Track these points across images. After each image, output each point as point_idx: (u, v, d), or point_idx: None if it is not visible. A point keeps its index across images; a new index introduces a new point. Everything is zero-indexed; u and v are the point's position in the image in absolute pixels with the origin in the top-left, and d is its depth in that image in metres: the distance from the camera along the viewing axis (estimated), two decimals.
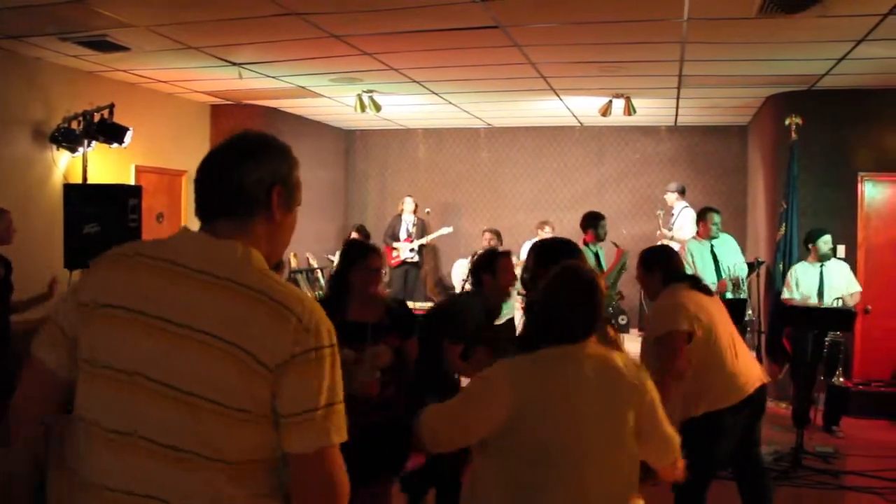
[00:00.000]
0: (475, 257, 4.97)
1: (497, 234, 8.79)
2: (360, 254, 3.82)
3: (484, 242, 8.41)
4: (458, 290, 8.55)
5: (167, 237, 1.72)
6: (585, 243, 7.66)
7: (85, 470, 1.60)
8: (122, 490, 1.55)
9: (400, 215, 11.15)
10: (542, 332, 2.48)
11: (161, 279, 1.61)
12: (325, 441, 1.57)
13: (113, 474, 1.56)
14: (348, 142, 12.90)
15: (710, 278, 7.06)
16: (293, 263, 10.69)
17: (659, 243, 9.39)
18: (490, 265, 4.59)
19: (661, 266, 4.26)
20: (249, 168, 1.69)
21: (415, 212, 11.12)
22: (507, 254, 4.93)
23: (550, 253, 3.27)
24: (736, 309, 6.62)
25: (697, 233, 7.74)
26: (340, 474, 1.61)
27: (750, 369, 4.16)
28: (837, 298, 6.93)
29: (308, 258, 11.25)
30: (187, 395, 1.54)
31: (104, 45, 6.75)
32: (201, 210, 1.72)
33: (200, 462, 1.53)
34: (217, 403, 1.53)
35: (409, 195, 11.30)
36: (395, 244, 10.94)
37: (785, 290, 7.21)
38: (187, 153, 9.82)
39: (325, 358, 1.59)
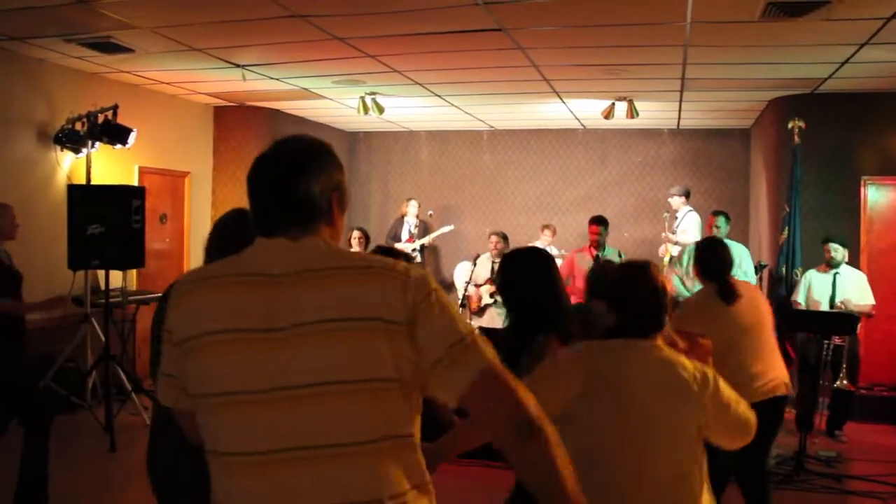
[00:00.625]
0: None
1: (504, 237, 8.76)
2: None
3: (490, 246, 8.40)
4: (460, 292, 8.53)
5: (242, 252, 1.68)
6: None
7: (235, 501, 1.57)
8: None
9: (403, 217, 11.16)
10: (618, 325, 2.61)
11: (253, 293, 1.59)
12: (484, 363, 1.57)
13: (269, 496, 1.53)
14: (351, 144, 12.90)
15: None
16: None
17: (662, 247, 9.42)
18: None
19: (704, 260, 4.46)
20: (312, 179, 1.68)
21: (418, 215, 11.12)
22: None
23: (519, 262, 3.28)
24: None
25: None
26: (515, 382, 1.58)
27: (773, 375, 4.23)
28: (842, 302, 6.88)
29: None
30: (333, 385, 1.52)
31: (109, 47, 6.76)
32: (264, 221, 1.69)
33: (361, 449, 1.52)
34: (366, 381, 1.52)
35: (412, 197, 11.29)
36: (396, 245, 10.94)
37: (800, 293, 7.18)
38: (191, 155, 9.86)
39: (441, 298, 1.61)
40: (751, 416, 2.61)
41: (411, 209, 11.08)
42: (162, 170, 9.32)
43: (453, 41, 6.45)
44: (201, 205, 10.11)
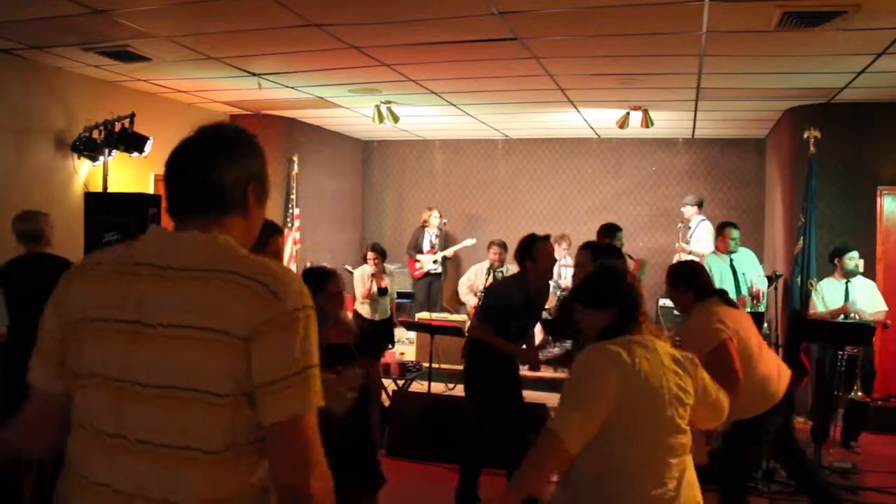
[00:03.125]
0: (517, 246, 5.07)
1: (503, 246, 8.74)
2: (318, 283, 3.80)
3: (492, 256, 8.40)
4: (463, 297, 8.53)
5: (139, 238, 1.70)
6: None
7: (87, 470, 1.61)
8: (124, 490, 1.55)
9: (423, 227, 11.13)
10: (625, 323, 2.65)
11: (131, 284, 1.60)
12: (299, 408, 1.53)
13: (113, 475, 1.56)
14: (365, 152, 12.95)
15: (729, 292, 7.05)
16: None
17: (677, 256, 9.39)
18: (529, 250, 4.80)
19: (689, 282, 4.39)
20: (226, 167, 1.66)
21: (440, 225, 11.13)
22: (547, 237, 5.13)
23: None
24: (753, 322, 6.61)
25: (717, 247, 7.71)
26: (316, 444, 1.55)
27: (779, 374, 4.34)
28: (855, 312, 6.86)
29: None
30: (171, 390, 1.53)
31: (126, 56, 6.82)
32: (174, 207, 1.69)
33: (192, 455, 1.52)
34: (203, 392, 1.52)
35: (431, 207, 11.28)
36: (418, 256, 10.95)
37: (816, 303, 7.16)
38: None
39: (298, 321, 1.56)
40: (724, 398, 2.77)
41: (433, 220, 11.05)
42: None
43: (468, 50, 6.48)
44: None
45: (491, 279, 8.32)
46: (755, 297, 7.17)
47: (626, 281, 2.74)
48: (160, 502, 1.53)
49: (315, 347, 1.59)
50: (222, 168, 1.66)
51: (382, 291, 8.30)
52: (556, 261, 5.32)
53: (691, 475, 2.60)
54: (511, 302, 4.96)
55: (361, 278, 8.29)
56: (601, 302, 2.70)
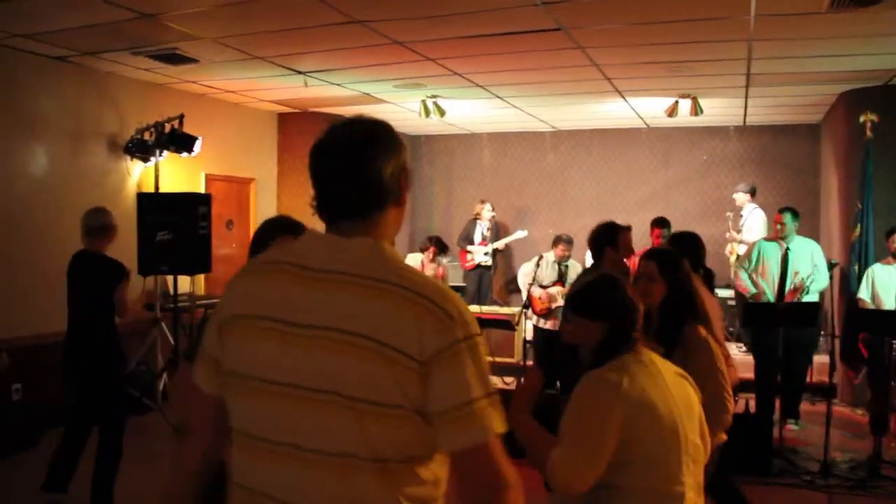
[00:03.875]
0: (592, 233, 5.01)
1: (570, 242, 8.58)
2: None
3: (560, 251, 8.29)
4: (524, 294, 8.47)
5: (296, 241, 1.66)
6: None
7: (246, 479, 1.60)
8: (282, 500, 1.54)
9: (475, 219, 11.11)
10: (620, 340, 2.51)
11: (294, 284, 1.56)
12: (485, 436, 1.49)
13: (272, 483, 1.55)
14: (413, 147, 12.97)
15: (772, 280, 6.94)
16: None
17: (728, 246, 9.21)
18: (612, 238, 4.78)
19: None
20: (383, 161, 1.61)
21: (492, 218, 11.10)
22: (629, 228, 5.12)
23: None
24: (807, 313, 6.45)
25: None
26: (506, 465, 1.52)
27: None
28: None
29: None
30: (339, 398, 1.48)
31: (174, 58, 6.94)
32: (329, 206, 1.64)
33: (358, 464, 1.49)
34: (372, 403, 1.47)
35: (484, 199, 11.23)
36: (469, 248, 10.95)
37: (864, 288, 6.97)
38: (255, 161, 10.04)
39: (475, 347, 1.52)
40: (707, 430, 2.62)
41: (486, 212, 11.01)
42: (228, 176, 9.51)
43: (512, 42, 6.44)
44: (266, 210, 10.28)
45: (557, 272, 8.22)
46: (797, 289, 6.91)
47: (623, 294, 2.57)
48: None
49: (489, 375, 1.55)
50: (380, 162, 1.61)
51: None
52: (633, 252, 5.24)
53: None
54: None
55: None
56: (592, 312, 2.57)
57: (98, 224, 5.17)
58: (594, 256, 4.89)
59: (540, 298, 8.13)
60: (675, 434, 2.38)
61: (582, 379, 2.48)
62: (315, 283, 1.54)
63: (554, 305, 7.89)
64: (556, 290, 8.22)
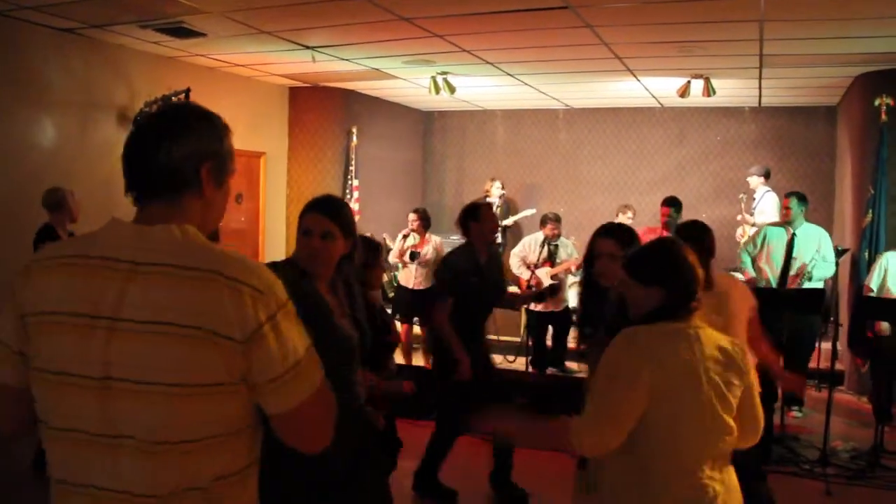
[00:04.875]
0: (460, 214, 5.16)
1: (557, 220, 8.51)
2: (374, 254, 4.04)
3: (548, 230, 8.26)
4: (516, 271, 8.44)
5: (97, 232, 1.64)
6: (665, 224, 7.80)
7: (68, 473, 1.59)
8: (111, 489, 1.54)
9: (485, 197, 11.04)
10: (674, 309, 2.41)
11: (101, 279, 1.55)
12: (303, 395, 1.60)
13: (98, 474, 1.54)
14: (426, 123, 12.92)
15: (776, 265, 6.86)
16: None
17: (740, 228, 9.13)
18: (474, 213, 5.01)
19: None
20: (174, 146, 1.60)
21: (501, 196, 11.04)
22: (490, 205, 5.59)
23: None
24: (811, 299, 6.38)
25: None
26: (324, 414, 1.67)
27: None
28: None
29: (385, 238, 11.30)
30: (160, 387, 1.49)
31: (181, 32, 6.92)
32: (128, 187, 1.64)
33: (184, 447, 1.51)
34: (193, 385, 1.50)
35: (494, 178, 11.17)
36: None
37: (874, 277, 6.87)
38: (266, 135, 10.03)
39: (288, 313, 1.59)
40: (761, 412, 2.47)
41: (495, 190, 10.92)
42: (237, 150, 9.40)
43: (520, 19, 6.36)
44: (277, 185, 10.30)
45: (546, 252, 8.20)
46: (799, 275, 6.81)
47: (684, 261, 2.45)
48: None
49: (304, 334, 1.62)
50: (170, 146, 1.60)
51: (413, 255, 8.27)
52: (498, 224, 5.50)
53: (732, 479, 2.42)
54: (462, 269, 4.96)
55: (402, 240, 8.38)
56: (648, 278, 2.44)
57: (53, 201, 5.68)
58: (463, 234, 5.07)
59: (528, 281, 8.10)
60: (701, 410, 2.29)
61: (617, 335, 2.42)
62: (127, 275, 1.53)
63: (545, 285, 7.78)
64: (545, 270, 8.20)
